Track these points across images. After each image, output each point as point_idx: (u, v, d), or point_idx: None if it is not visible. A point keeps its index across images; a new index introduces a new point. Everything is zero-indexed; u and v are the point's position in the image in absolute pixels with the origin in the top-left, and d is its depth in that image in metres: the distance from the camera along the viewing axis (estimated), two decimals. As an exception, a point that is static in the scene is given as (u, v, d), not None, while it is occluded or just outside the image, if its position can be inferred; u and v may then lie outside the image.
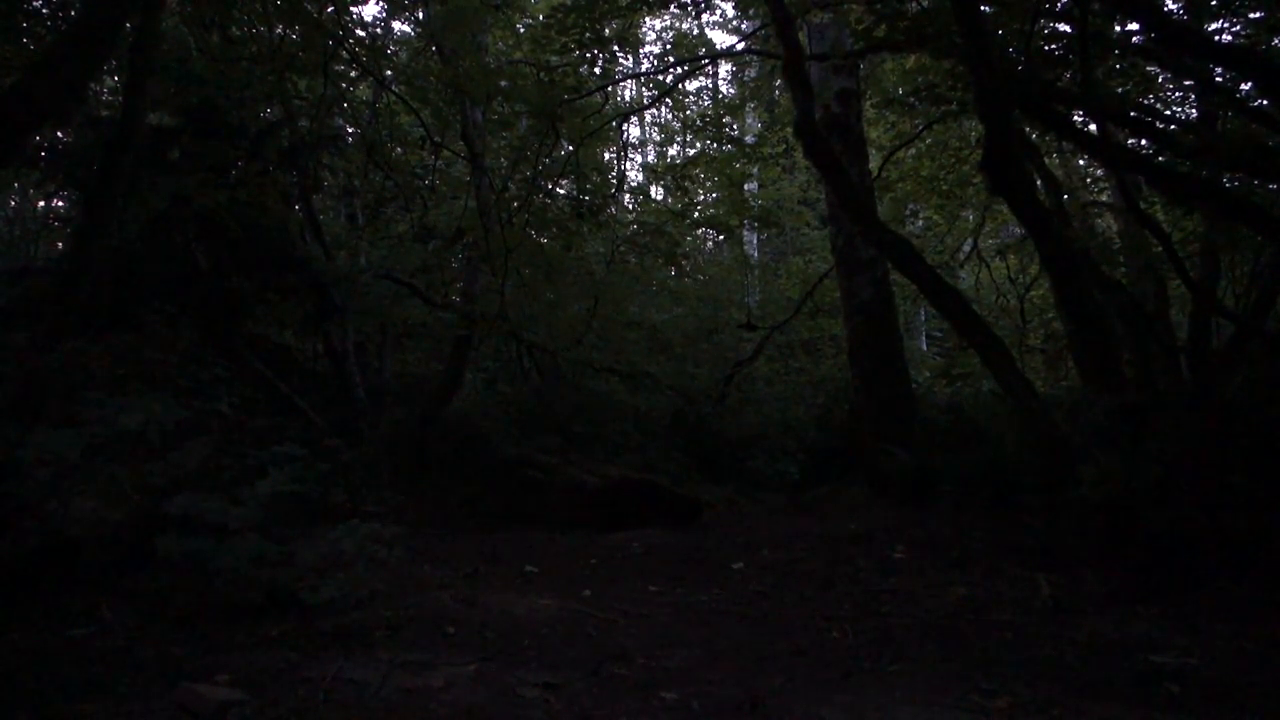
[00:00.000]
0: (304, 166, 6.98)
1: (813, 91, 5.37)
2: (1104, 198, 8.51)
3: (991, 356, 4.83)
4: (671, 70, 9.74)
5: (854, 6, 6.05)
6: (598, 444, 7.65)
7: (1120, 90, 5.43)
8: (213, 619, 2.24)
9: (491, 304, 7.39)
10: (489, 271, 7.46)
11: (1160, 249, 5.64)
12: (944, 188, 8.90)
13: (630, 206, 12.38)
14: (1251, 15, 4.98)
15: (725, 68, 14.95)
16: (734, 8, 10.41)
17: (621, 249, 9.83)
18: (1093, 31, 4.29)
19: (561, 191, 9.07)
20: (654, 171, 13.33)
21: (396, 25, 9.87)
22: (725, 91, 15.12)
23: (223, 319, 6.18)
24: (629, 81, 12.88)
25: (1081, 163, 8.82)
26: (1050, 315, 8.78)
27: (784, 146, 9.53)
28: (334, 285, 6.80)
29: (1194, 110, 6.20)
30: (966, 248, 10.34)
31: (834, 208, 7.34)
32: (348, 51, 7.17)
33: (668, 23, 14.48)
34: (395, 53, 8.92)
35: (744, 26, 11.64)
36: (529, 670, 2.04)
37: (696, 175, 11.01)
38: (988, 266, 9.97)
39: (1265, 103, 4.65)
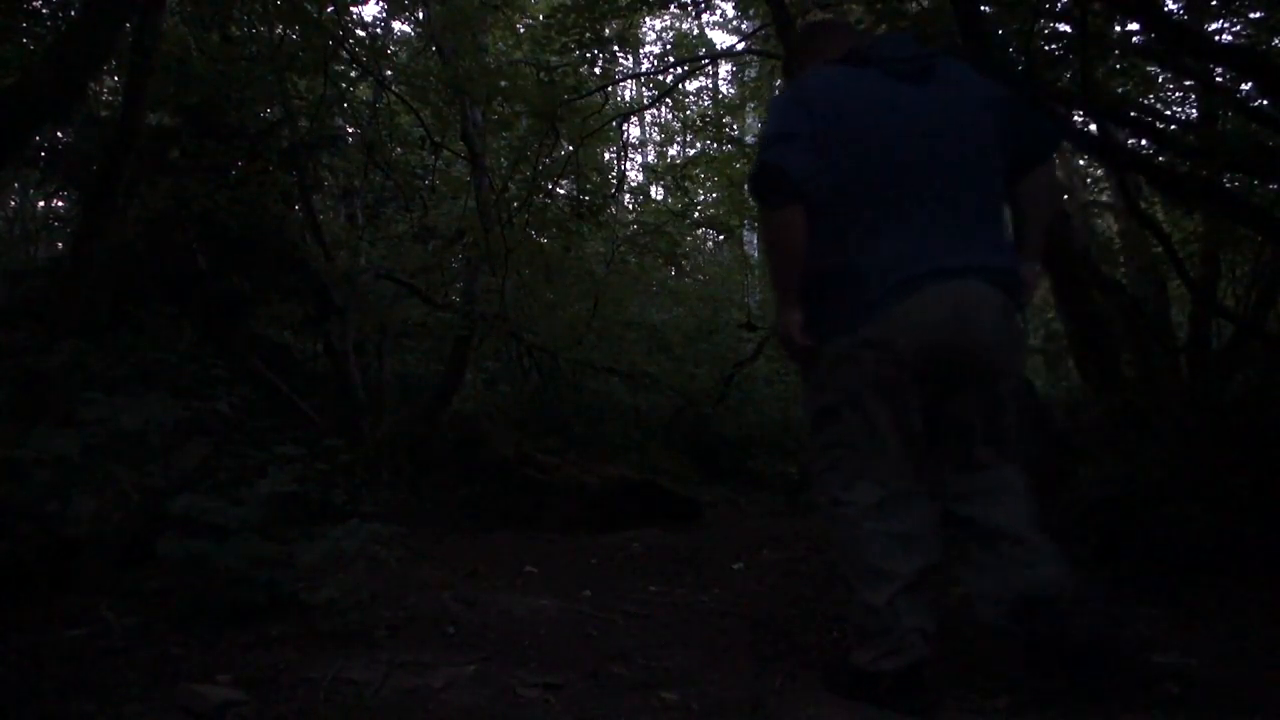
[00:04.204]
0: (304, 166, 6.98)
1: (813, 91, 5.36)
2: (1104, 198, 8.52)
3: (991, 356, 4.82)
4: (671, 70, 9.75)
5: (854, 6, 6.05)
6: (598, 444, 7.65)
7: (1120, 90, 5.43)
8: (213, 619, 2.23)
9: (491, 304, 7.40)
10: (489, 271, 7.46)
11: (1160, 249, 5.63)
12: (944, 188, 8.89)
13: (630, 206, 12.38)
14: (1252, 15, 4.98)
15: (725, 68, 14.94)
16: (734, 8, 10.41)
17: (621, 249, 9.84)
18: (1093, 31, 4.28)
19: (561, 191, 9.08)
20: (654, 171, 13.33)
21: (396, 25, 9.88)
22: (725, 91, 15.12)
23: (223, 319, 6.18)
24: (629, 81, 12.88)
25: (1081, 163, 8.82)
26: (1050, 315, 8.79)
27: (784, 146, 9.50)
28: (334, 285, 6.80)
29: (1194, 110, 6.20)
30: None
31: (834, 208, 7.33)
32: (348, 51, 7.17)
33: (668, 23, 14.47)
34: (395, 53, 8.93)
35: (744, 26, 11.64)
36: (529, 670, 2.03)
37: (696, 175, 11.02)
38: (988, 266, 9.94)
39: (1265, 103, 4.64)
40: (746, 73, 12.66)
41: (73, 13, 5.46)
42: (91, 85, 5.88)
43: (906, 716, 1.79)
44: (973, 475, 1.90)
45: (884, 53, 1.93)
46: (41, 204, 8.70)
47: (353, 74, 8.01)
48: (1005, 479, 1.90)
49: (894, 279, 1.76)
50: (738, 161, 9.93)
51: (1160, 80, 6.13)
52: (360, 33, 7.93)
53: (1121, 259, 7.40)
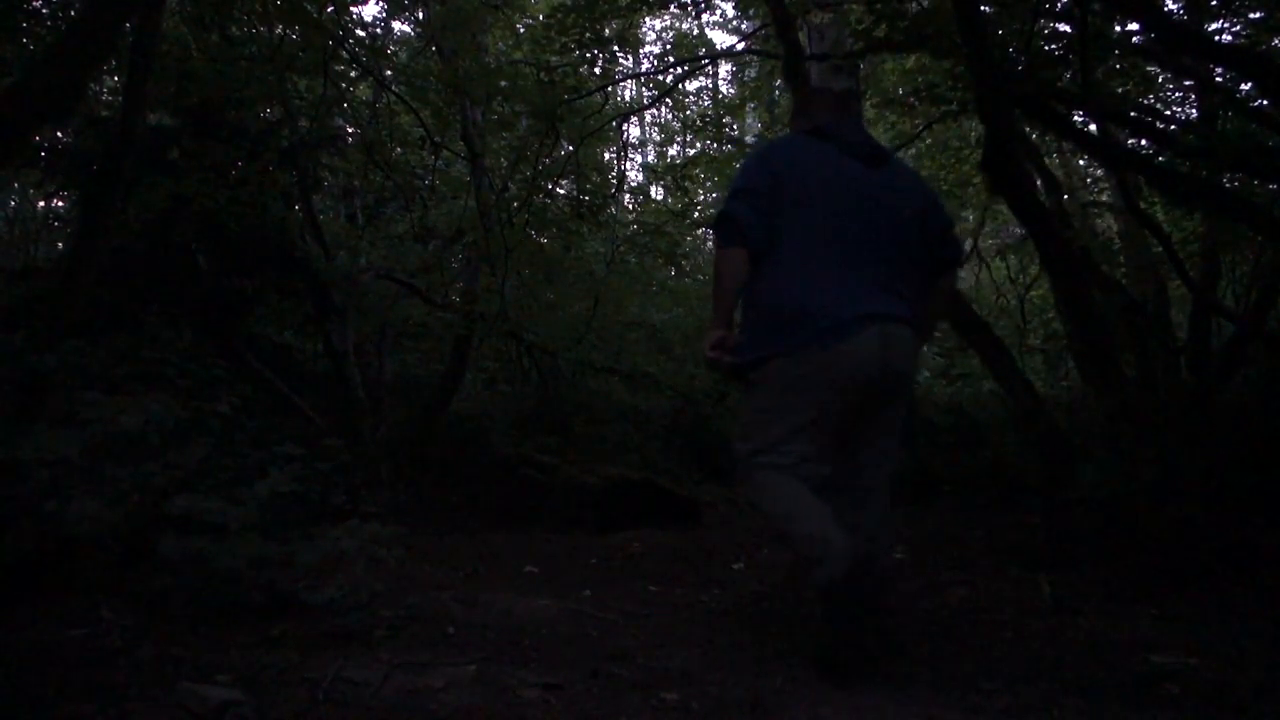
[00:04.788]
0: (304, 166, 6.98)
1: (813, 92, 5.36)
2: (1104, 198, 8.51)
3: (991, 356, 4.84)
4: (671, 70, 9.74)
5: (854, 6, 6.05)
6: (598, 444, 7.65)
7: (1120, 90, 5.43)
8: (213, 619, 2.23)
9: (491, 304, 7.39)
10: (489, 271, 7.46)
11: (1160, 249, 5.63)
12: (944, 188, 8.90)
13: (630, 206, 12.37)
14: (1251, 15, 4.98)
15: (725, 68, 14.94)
16: (734, 8, 10.40)
17: (621, 249, 9.83)
18: (1093, 31, 4.28)
19: (561, 191, 9.07)
20: (654, 171, 13.31)
21: (396, 25, 9.87)
22: (725, 91, 15.12)
23: (223, 319, 6.18)
24: (629, 81, 12.88)
25: (1081, 163, 8.82)
26: (1050, 315, 8.78)
27: (784, 147, 9.49)
28: (334, 285, 6.80)
29: (1194, 110, 6.20)
30: (966, 248, 10.34)
31: (834, 208, 7.32)
32: (348, 51, 7.17)
33: (668, 23, 14.47)
34: (395, 53, 8.92)
35: (744, 26, 11.64)
36: (529, 670, 2.03)
37: (696, 175, 11.00)
38: (988, 266, 9.97)
39: (1265, 103, 4.65)
40: (746, 73, 12.65)
41: (73, 13, 5.46)
42: (91, 85, 5.88)
43: (871, 617, 2.10)
44: (858, 473, 2.34)
45: (841, 133, 2.38)
46: (41, 204, 8.68)
47: (353, 74, 8.00)
48: (877, 483, 2.35)
49: (840, 317, 2.19)
50: (737, 161, 9.92)
51: (1160, 80, 6.12)
52: (360, 33, 7.93)
53: (1121, 259, 7.40)
